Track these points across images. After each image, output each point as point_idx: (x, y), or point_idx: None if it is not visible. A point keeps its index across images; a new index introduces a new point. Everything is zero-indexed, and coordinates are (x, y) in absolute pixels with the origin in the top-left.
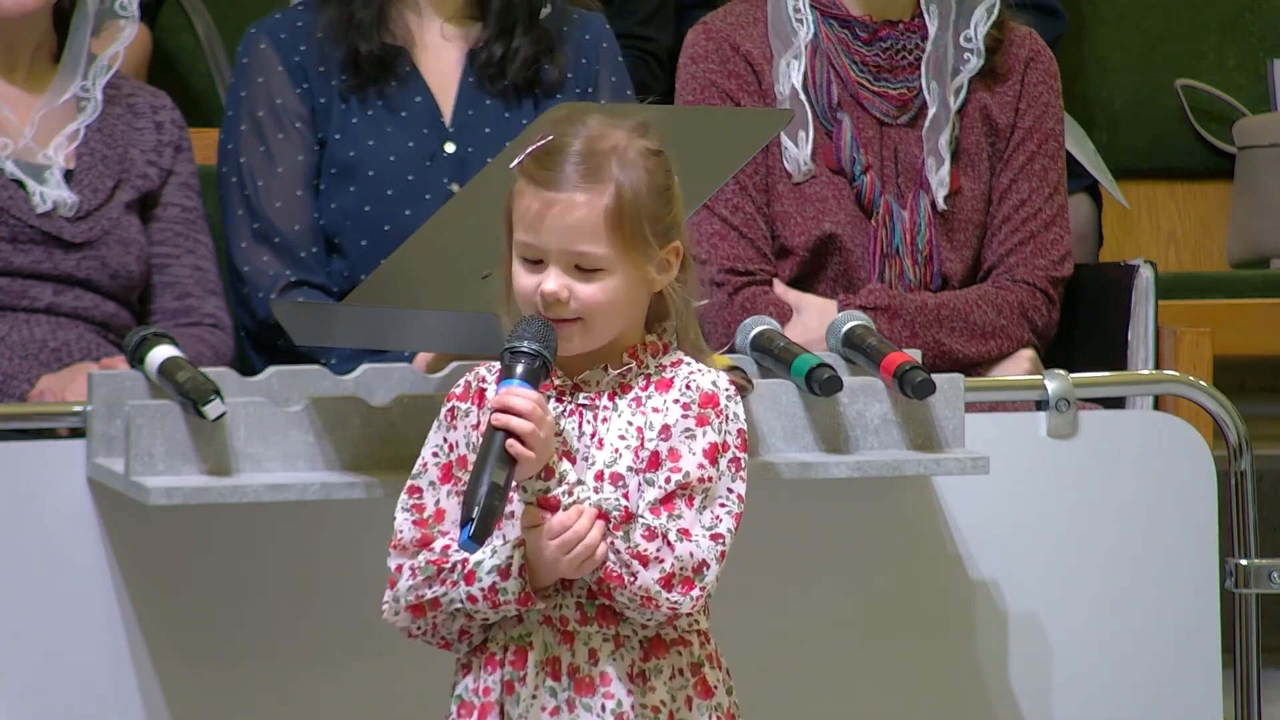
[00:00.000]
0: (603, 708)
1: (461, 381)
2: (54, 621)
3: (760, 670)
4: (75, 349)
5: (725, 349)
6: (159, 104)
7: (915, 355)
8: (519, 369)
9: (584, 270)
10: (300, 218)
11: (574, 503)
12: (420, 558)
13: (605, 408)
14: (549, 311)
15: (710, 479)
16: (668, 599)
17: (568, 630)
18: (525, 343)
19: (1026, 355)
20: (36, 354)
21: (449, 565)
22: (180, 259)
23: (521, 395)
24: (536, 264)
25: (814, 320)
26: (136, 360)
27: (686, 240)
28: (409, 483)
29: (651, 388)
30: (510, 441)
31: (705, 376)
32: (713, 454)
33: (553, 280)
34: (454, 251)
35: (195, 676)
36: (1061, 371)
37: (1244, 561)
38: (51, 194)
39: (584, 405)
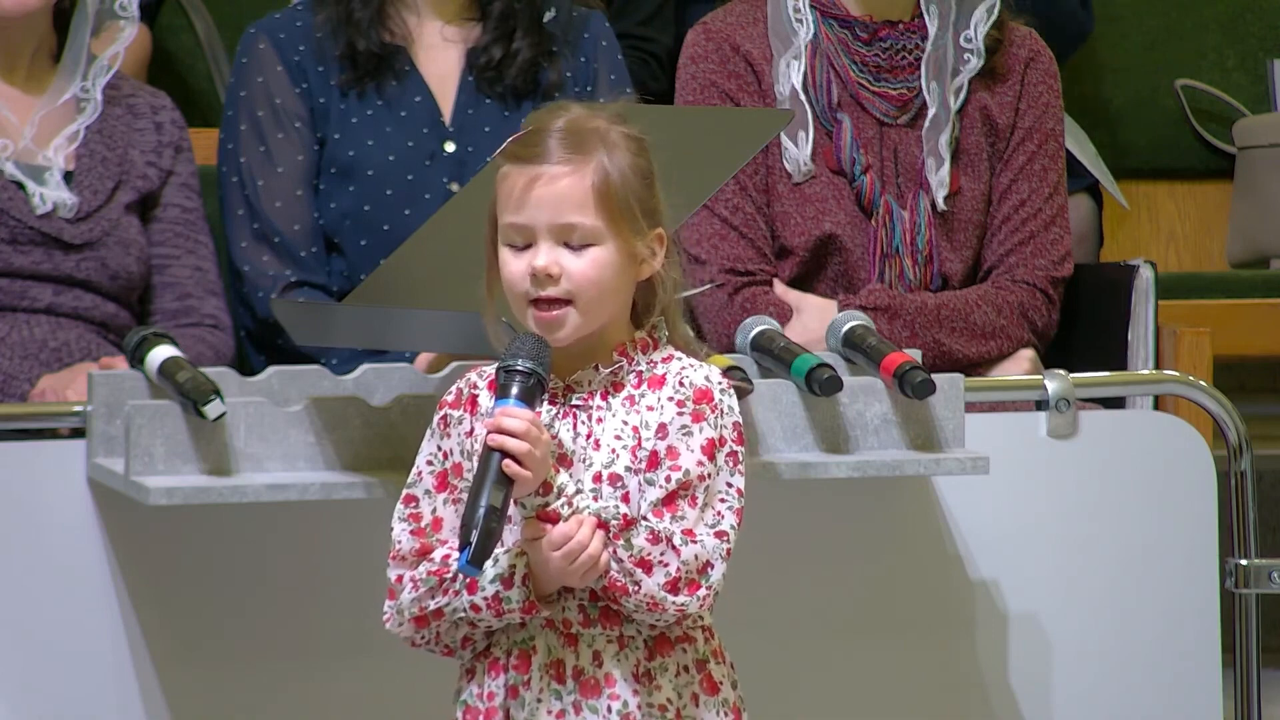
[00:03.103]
0: (609, 709)
1: (453, 389)
2: (54, 621)
3: (759, 670)
4: (75, 349)
5: (725, 349)
6: (159, 104)
7: (915, 355)
8: (514, 389)
9: (573, 246)
10: (300, 217)
11: (573, 513)
12: (421, 569)
13: (599, 408)
14: (539, 289)
15: (710, 475)
16: (674, 602)
17: (571, 633)
18: (520, 361)
19: (1026, 355)
20: (37, 354)
21: (450, 575)
22: (180, 259)
23: (516, 415)
24: (524, 249)
25: (814, 320)
26: (136, 360)
27: (670, 230)
28: (405, 492)
29: (644, 385)
30: (506, 462)
31: (698, 372)
32: (710, 450)
33: (543, 255)
34: (454, 251)
35: (195, 676)
36: (1061, 371)
37: (1244, 561)
38: (51, 195)
39: (577, 407)
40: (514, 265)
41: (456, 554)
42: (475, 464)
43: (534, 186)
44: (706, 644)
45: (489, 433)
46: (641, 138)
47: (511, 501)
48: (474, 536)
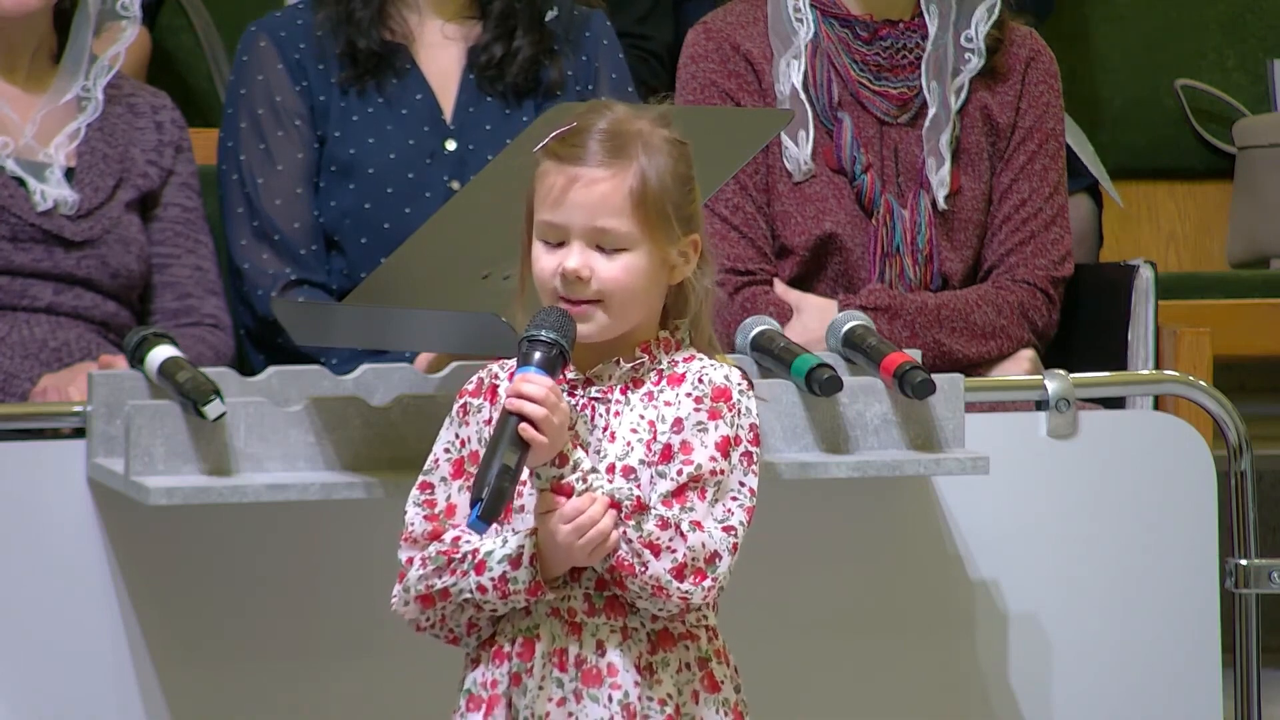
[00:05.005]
0: (609, 698)
1: (474, 378)
2: (54, 621)
3: (759, 670)
4: (75, 349)
5: (725, 349)
6: (159, 104)
7: (915, 355)
8: (535, 356)
9: (606, 250)
10: (300, 215)
11: (587, 490)
12: (431, 548)
13: (617, 401)
14: (569, 291)
15: (722, 471)
16: (679, 589)
17: (575, 622)
18: (543, 331)
19: (1026, 355)
20: (37, 354)
21: (459, 555)
22: (180, 259)
23: (536, 381)
24: (558, 246)
25: (814, 320)
26: (136, 360)
27: (705, 235)
28: (420, 478)
29: (664, 382)
30: (523, 426)
31: (718, 371)
32: (724, 447)
33: (575, 257)
34: (454, 251)
35: (195, 676)
36: (1061, 371)
37: (1244, 561)
38: (52, 192)
39: (596, 398)
40: (545, 261)
41: (468, 536)
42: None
43: (572, 188)
44: (710, 643)
45: (507, 396)
46: (683, 141)
47: (526, 470)
48: (485, 493)
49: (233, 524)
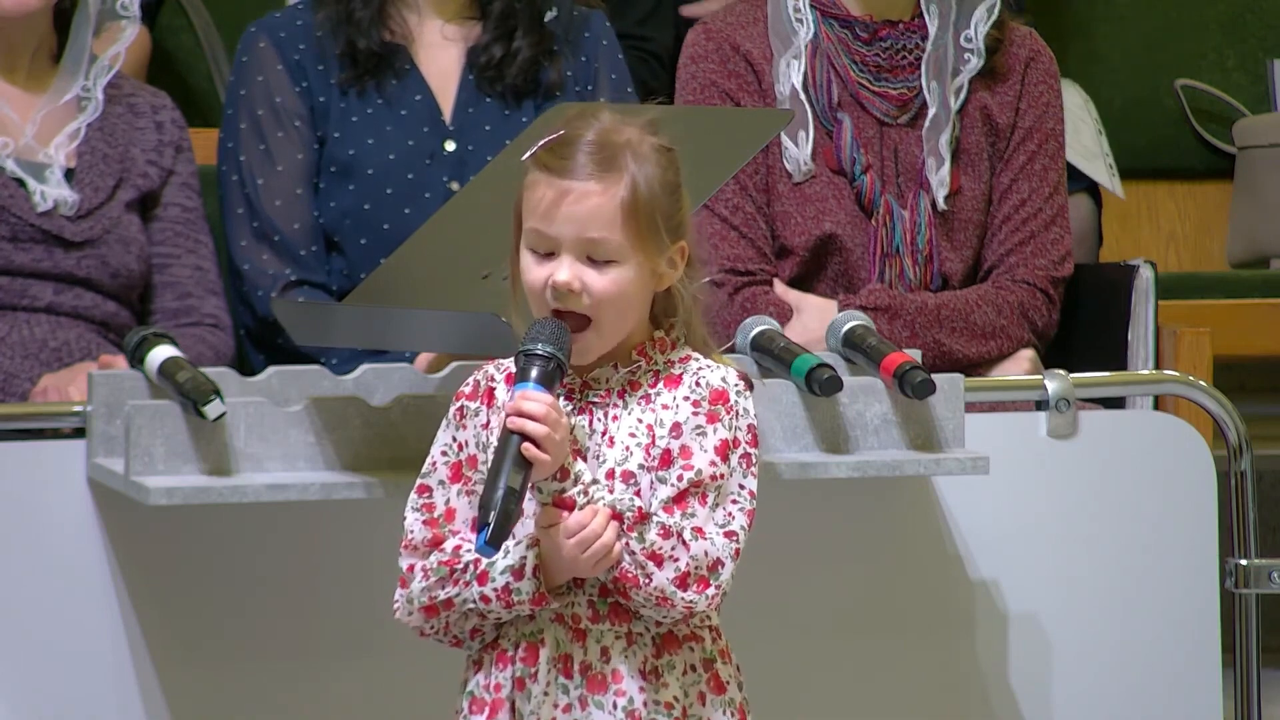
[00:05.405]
0: (614, 705)
1: (470, 380)
2: (54, 621)
3: (759, 670)
4: (75, 349)
5: (725, 349)
6: (159, 104)
7: (915, 355)
8: (533, 372)
9: (596, 261)
10: (300, 216)
11: (589, 502)
12: (432, 558)
13: (615, 405)
14: (560, 303)
15: (722, 475)
16: (683, 598)
17: (580, 628)
18: (540, 345)
19: (1026, 355)
20: (37, 354)
21: (461, 566)
22: (181, 259)
23: (536, 399)
24: (547, 256)
25: (814, 320)
26: (136, 360)
27: (692, 240)
28: (418, 482)
29: (661, 384)
30: (525, 445)
31: (714, 373)
32: (724, 450)
33: (565, 270)
34: (454, 251)
35: (195, 676)
36: (1061, 371)
37: (1244, 561)
38: (52, 193)
39: (594, 403)
40: (535, 272)
41: (468, 544)
42: (490, 455)
43: (562, 202)
44: (714, 644)
45: (508, 415)
46: (671, 149)
47: (529, 485)
48: (492, 518)
49: (233, 524)
